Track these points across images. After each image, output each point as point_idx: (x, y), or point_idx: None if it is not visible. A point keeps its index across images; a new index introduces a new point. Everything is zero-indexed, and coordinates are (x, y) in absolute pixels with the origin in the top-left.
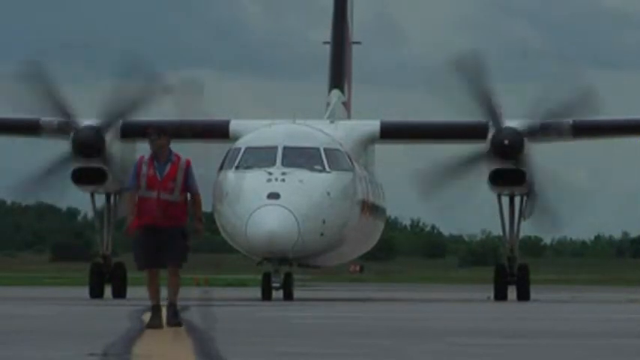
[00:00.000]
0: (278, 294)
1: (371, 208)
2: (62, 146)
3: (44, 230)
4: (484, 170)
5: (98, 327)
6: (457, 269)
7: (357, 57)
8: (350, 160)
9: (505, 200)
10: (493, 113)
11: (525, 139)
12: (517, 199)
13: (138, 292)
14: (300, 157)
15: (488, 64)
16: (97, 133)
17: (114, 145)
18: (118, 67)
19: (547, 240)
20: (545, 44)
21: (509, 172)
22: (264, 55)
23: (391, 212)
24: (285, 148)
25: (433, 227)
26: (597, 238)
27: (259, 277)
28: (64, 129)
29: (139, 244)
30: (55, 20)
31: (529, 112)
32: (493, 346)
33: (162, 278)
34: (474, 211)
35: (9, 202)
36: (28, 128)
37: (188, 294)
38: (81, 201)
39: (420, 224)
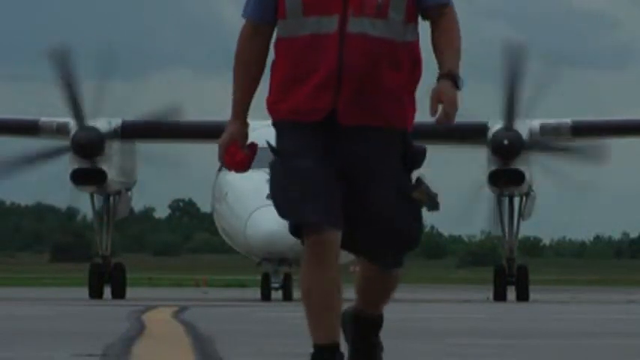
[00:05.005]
0: (277, 294)
1: None
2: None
3: (44, 231)
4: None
5: (97, 327)
6: (456, 270)
7: None
8: None
9: (504, 201)
10: (509, 112)
11: (523, 140)
12: (516, 200)
13: (137, 293)
14: None
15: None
16: (97, 133)
17: (113, 145)
18: (109, 68)
19: (546, 240)
20: (544, 45)
21: (509, 172)
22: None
23: None
24: None
25: (432, 227)
26: (597, 238)
27: (258, 277)
28: (63, 130)
29: (284, 167)
30: (54, 21)
31: (528, 113)
32: (493, 347)
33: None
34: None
35: (8, 202)
36: (27, 129)
37: (186, 295)
38: (80, 201)
39: None
